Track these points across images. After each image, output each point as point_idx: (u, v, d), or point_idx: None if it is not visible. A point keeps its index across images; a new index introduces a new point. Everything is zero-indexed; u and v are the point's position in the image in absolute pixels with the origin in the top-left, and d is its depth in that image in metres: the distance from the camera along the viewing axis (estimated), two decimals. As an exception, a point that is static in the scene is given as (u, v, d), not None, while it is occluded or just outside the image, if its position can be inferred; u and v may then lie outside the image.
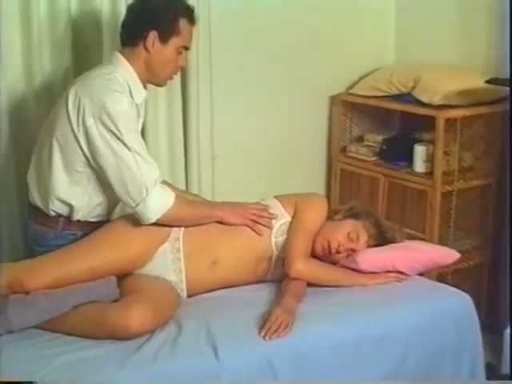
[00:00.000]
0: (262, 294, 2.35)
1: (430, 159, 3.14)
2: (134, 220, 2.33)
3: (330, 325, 2.17)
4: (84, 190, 2.36)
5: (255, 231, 2.43)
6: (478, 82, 3.03)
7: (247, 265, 2.42)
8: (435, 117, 3.06)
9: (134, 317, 2.05)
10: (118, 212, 2.55)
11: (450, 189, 3.13)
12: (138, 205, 2.26)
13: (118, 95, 2.27)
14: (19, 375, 1.88)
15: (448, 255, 2.54)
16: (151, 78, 2.43)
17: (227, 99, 3.24)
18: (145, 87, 2.43)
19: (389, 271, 2.43)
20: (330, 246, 2.41)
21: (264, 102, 3.39)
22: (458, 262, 2.63)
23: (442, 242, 3.09)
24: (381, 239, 2.49)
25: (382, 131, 3.55)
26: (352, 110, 3.57)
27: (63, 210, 2.38)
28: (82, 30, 2.82)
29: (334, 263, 2.44)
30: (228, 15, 3.15)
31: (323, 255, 2.43)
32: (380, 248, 2.46)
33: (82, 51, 2.83)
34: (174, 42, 2.37)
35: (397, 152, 3.34)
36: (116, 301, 2.18)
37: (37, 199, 2.42)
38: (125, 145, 2.23)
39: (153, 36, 2.34)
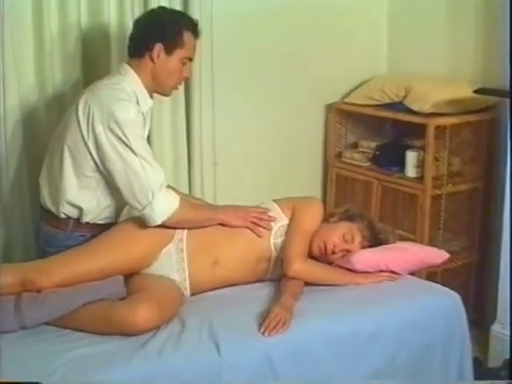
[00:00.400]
0: (261, 293, 2.35)
1: (421, 164, 3.14)
2: (140, 222, 2.33)
3: (326, 321, 2.17)
4: (93, 194, 2.36)
5: (256, 233, 2.43)
6: (465, 92, 3.04)
7: (247, 265, 2.42)
8: (425, 124, 3.06)
9: (140, 314, 2.05)
10: (124, 214, 2.54)
11: (439, 192, 3.13)
12: (144, 208, 2.26)
13: (125, 104, 2.28)
14: (32, 369, 1.89)
15: (437, 256, 2.54)
16: (157, 87, 2.43)
17: (228, 108, 3.24)
18: (151, 96, 2.44)
19: (382, 271, 2.42)
20: (326, 247, 2.41)
21: (263, 111, 3.39)
22: (447, 262, 2.62)
23: (432, 243, 3.08)
24: (374, 240, 2.49)
25: (375, 138, 3.55)
26: (347, 117, 3.57)
27: (73, 212, 2.38)
28: (91, 42, 2.82)
29: (330, 263, 2.44)
30: (229, 29, 3.15)
31: (320, 256, 2.43)
32: (373, 249, 2.46)
33: (91, 63, 2.83)
34: (179, 53, 2.37)
35: (389, 158, 3.34)
36: (123, 299, 2.18)
37: (48, 202, 2.42)
38: (132, 151, 2.23)
39: (158, 48, 2.35)
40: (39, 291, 2.18)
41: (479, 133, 3.18)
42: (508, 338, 2.86)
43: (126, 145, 2.23)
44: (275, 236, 2.44)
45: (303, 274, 2.35)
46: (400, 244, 2.57)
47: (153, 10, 2.54)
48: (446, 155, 3.10)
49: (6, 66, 2.60)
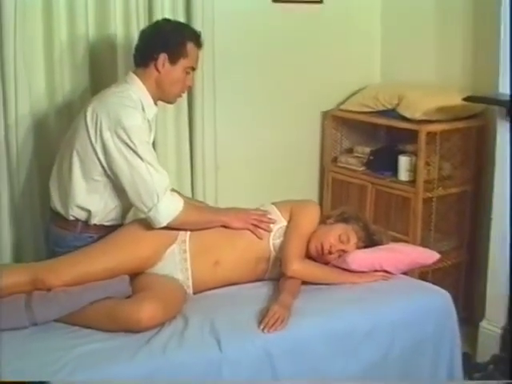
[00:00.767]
0: (260, 292, 2.35)
1: (413, 169, 3.14)
2: (145, 224, 2.32)
3: (323, 319, 2.17)
4: (100, 197, 2.36)
5: (256, 235, 2.43)
6: (455, 100, 3.04)
7: (247, 265, 2.42)
8: (417, 131, 3.06)
9: (144, 311, 2.05)
10: (130, 217, 2.54)
11: (430, 195, 3.12)
12: (150, 210, 2.26)
13: (131, 111, 2.27)
14: (42, 363, 1.89)
15: (429, 256, 2.54)
16: (162, 95, 2.43)
17: (229, 116, 3.23)
18: (155, 104, 2.44)
19: (376, 270, 2.42)
20: (322, 248, 2.40)
21: (263, 118, 3.39)
22: (437, 261, 2.62)
23: (424, 243, 3.08)
24: (369, 241, 2.49)
25: (369, 143, 3.54)
26: (342, 124, 3.57)
27: (81, 215, 2.38)
28: (98, 53, 2.82)
29: (327, 263, 2.43)
30: (230, 40, 3.16)
31: (317, 256, 2.43)
32: (368, 249, 2.46)
33: (99, 72, 2.83)
34: (182, 63, 2.37)
35: (383, 162, 3.33)
36: (129, 297, 2.18)
37: (58, 205, 2.42)
38: (138, 156, 2.23)
39: (163, 58, 2.35)
40: (49, 290, 2.18)
41: (468, 139, 3.18)
42: (495, 335, 2.86)
43: (133, 150, 2.23)
44: (274, 237, 2.44)
45: (301, 273, 2.34)
46: (393, 245, 2.57)
47: (157, 22, 2.54)
48: (436, 160, 3.10)
49: (18, 75, 2.60)
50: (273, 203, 2.56)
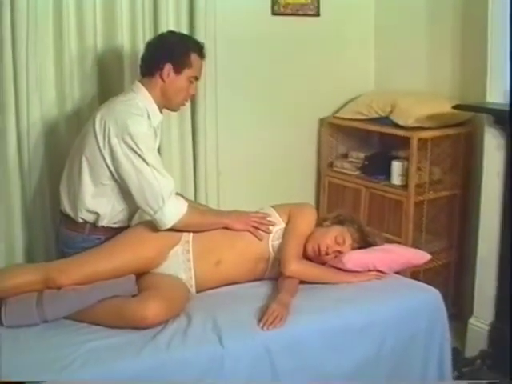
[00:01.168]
0: (260, 291, 2.35)
1: (405, 173, 3.14)
2: (151, 226, 2.32)
3: (320, 316, 2.17)
4: (108, 200, 2.36)
5: (256, 236, 2.42)
6: (445, 108, 3.04)
7: (247, 265, 2.42)
8: (409, 137, 3.06)
9: (149, 309, 2.05)
10: (136, 219, 2.54)
11: (421, 199, 3.12)
12: (155, 213, 2.26)
13: (138, 118, 2.28)
14: (53, 358, 1.89)
15: (420, 257, 2.54)
16: (166, 103, 2.43)
17: (230, 123, 3.23)
18: (161, 112, 2.44)
19: (370, 270, 2.42)
20: (319, 249, 2.41)
21: (262, 125, 3.39)
22: (429, 261, 2.61)
23: (415, 244, 3.08)
24: (363, 242, 2.49)
25: (363, 149, 3.54)
26: (338, 131, 3.57)
27: (90, 217, 2.38)
28: (106, 63, 2.82)
29: (323, 263, 2.43)
30: (232, 51, 3.16)
31: (314, 256, 2.43)
32: (362, 250, 2.46)
33: (107, 81, 2.83)
34: (187, 73, 2.38)
35: (376, 167, 3.33)
36: (135, 296, 2.18)
37: (67, 208, 2.42)
38: (144, 161, 2.23)
39: (168, 68, 2.35)
40: (59, 288, 2.18)
41: (457, 145, 3.18)
42: (483, 331, 2.86)
43: (139, 156, 2.23)
44: (273, 238, 2.44)
45: (299, 273, 2.34)
46: (387, 246, 2.57)
47: (162, 34, 2.54)
48: (427, 165, 3.10)
49: (30, 84, 2.60)
50: (272, 206, 2.56)
